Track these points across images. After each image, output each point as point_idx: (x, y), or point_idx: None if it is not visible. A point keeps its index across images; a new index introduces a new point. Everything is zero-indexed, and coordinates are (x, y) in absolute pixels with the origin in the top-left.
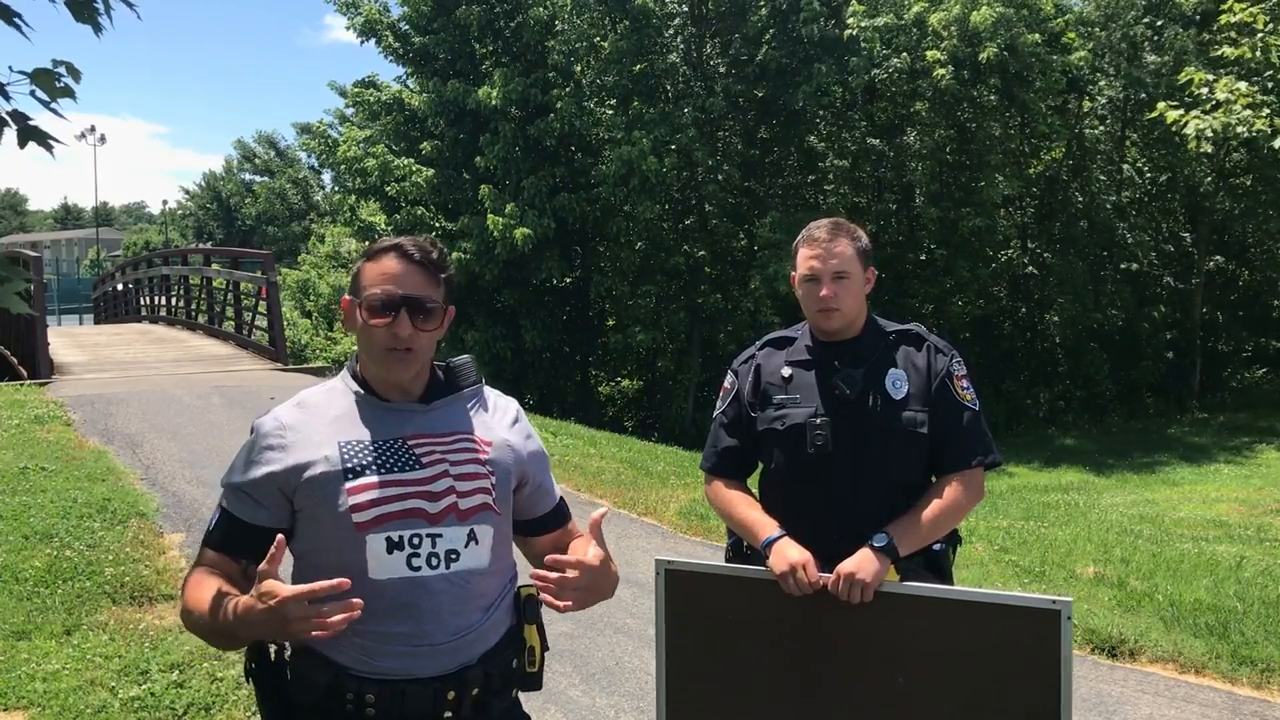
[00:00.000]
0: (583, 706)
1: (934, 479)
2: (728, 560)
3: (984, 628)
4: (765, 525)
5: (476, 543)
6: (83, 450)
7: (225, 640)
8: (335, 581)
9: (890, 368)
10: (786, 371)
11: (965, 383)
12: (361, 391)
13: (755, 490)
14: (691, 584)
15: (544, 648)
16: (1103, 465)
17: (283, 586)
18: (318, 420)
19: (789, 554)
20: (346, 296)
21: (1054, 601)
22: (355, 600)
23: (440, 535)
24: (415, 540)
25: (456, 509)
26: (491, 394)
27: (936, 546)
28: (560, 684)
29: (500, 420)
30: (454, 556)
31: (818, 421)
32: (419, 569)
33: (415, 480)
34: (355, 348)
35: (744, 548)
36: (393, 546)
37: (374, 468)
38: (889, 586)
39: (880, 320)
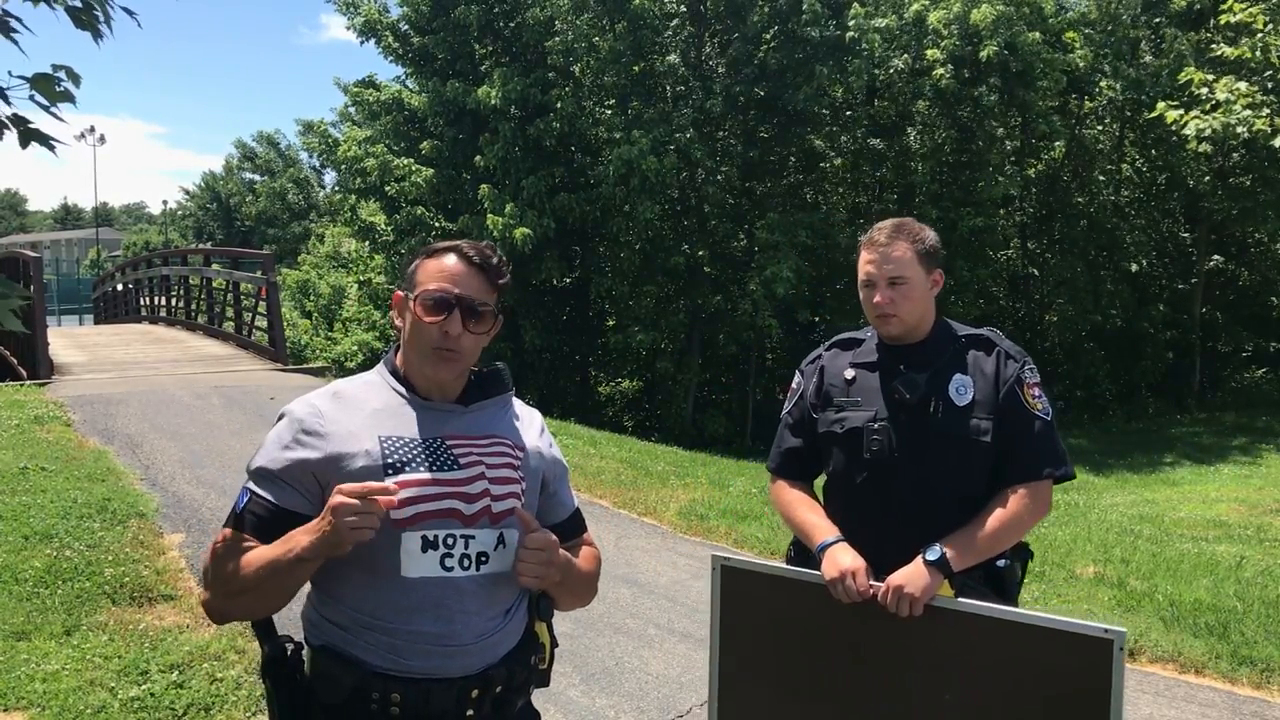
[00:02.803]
0: (582, 707)
1: (999, 489)
2: (789, 561)
3: (1033, 651)
4: (822, 529)
5: (504, 546)
6: (82, 450)
7: (273, 581)
8: (382, 485)
9: (956, 373)
10: (850, 373)
11: (1037, 390)
12: (402, 388)
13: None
14: (745, 582)
15: (553, 645)
16: (1102, 465)
17: (349, 486)
18: (357, 411)
19: (841, 560)
20: (399, 291)
21: (1106, 630)
22: (391, 487)
23: (473, 537)
24: (449, 540)
25: (490, 512)
26: (518, 403)
27: (1000, 562)
28: (560, 684)
29: (530, 428)
30: (484, 559)
31: (875, 426)
32: (451, 569)
33: (453, 480)
34: (391, 342)
35: (805, 550)
36: (427, 545)
37: (414, 465)
38: (940, 601)
39: (953, 324)
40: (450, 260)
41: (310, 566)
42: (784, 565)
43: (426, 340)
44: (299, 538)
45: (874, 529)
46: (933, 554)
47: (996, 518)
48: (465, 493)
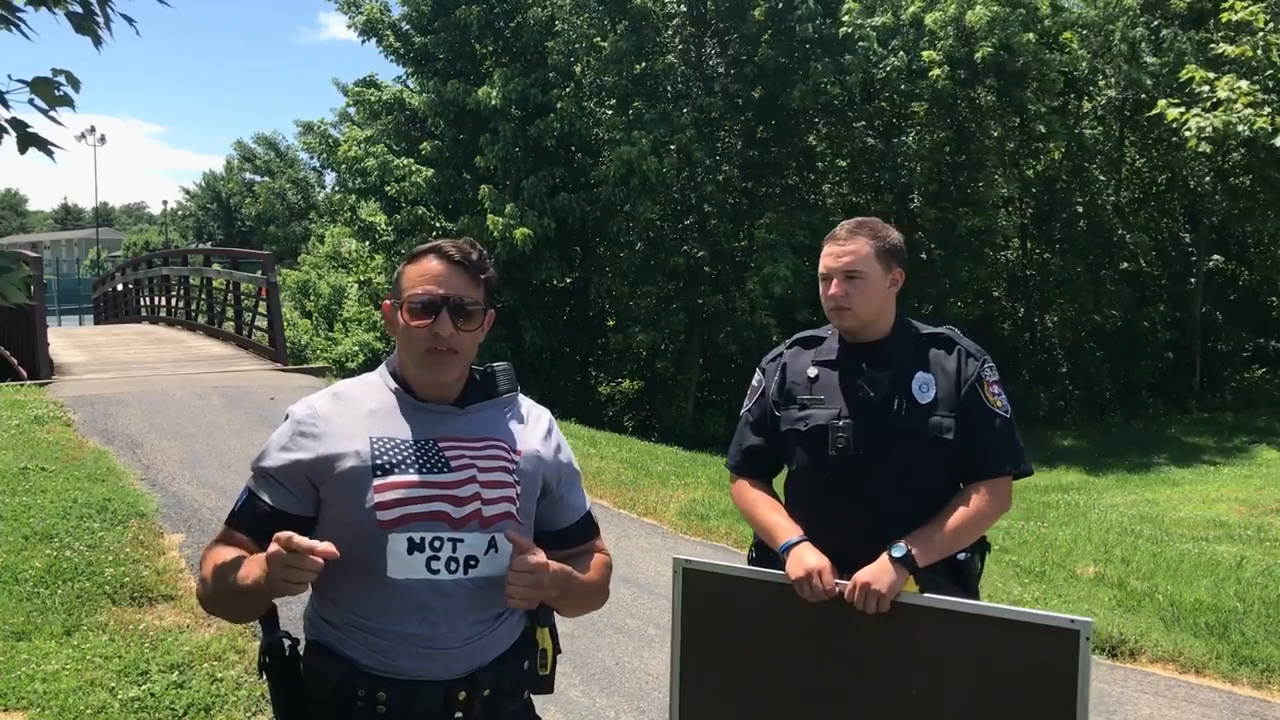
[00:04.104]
0: (582, 707)
1: (961, 486)
2: (750, 562)
3: (1000, 644)
4: (784, 529)
5: (496, 551)
6: (83, 451)
7: (236, 601)
8: (326, 549)
9: (918, 371)
10: (813, 371)
11: (997, 388)
12: (399, 389)
13: (781, 490)
14: (709, 584)
15: (556, 650)
16: (1103, 465)
17: (285, 535)
18: (352, 413)
19: (806, 559)
20: (387, 300)
21: (1073, 621)
22: (327, 548)
23: (461, 540)
24: (436, 543)
25: (480, 515)
26: (525, 403)
27: (961, 556)
28: (560, 684)
29: (533, 431)
30: (473, 563)
31: (840, 424)
32: (438, 572)
33: (442, 483)
34: (394, 346)
35: (767, 550)
36: (413, 548)
37: (403, 467)
38: (906, 597)
39: (914, 323)
40: (431, 262)
41: (261, 598)
42: (747, 566)
43: (419, 345)
44: (252, 569)
45: (837, 527)
46: (898, 551)
47: (959, 514)
48: (454, 495)
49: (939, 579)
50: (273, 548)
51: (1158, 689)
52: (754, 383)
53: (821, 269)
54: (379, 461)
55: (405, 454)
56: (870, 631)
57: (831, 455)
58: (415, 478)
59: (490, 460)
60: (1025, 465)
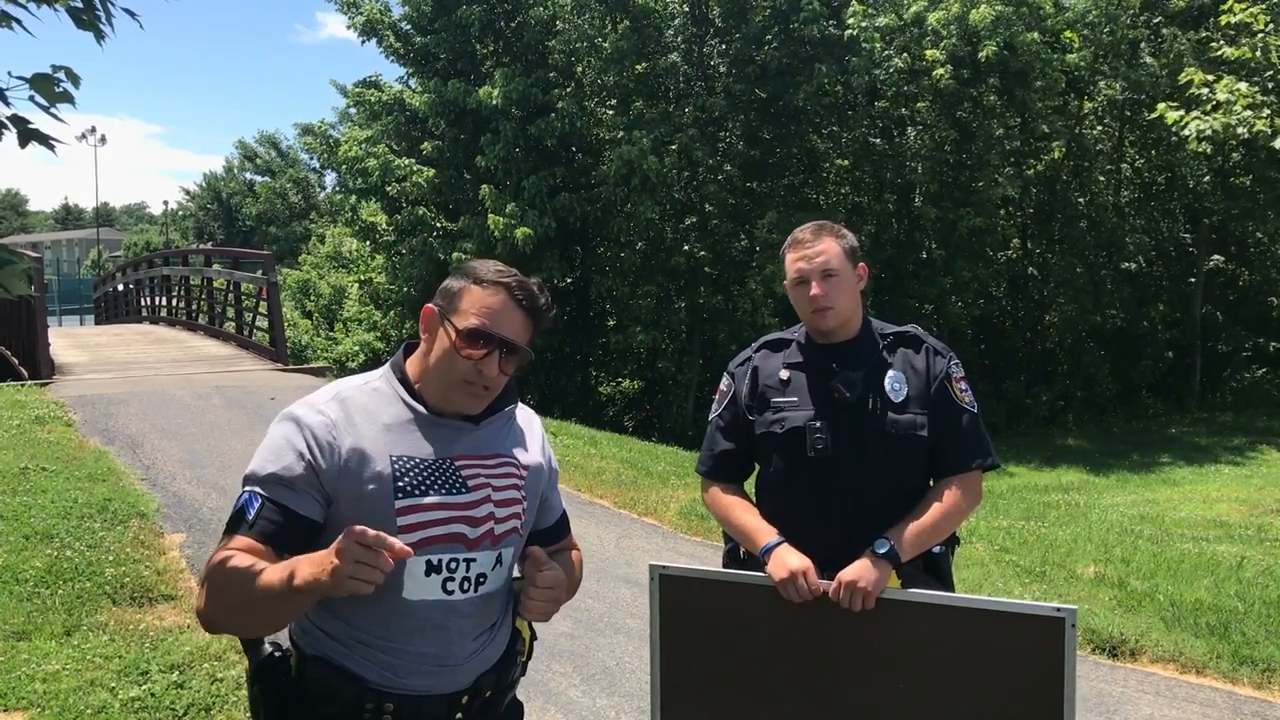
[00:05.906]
0: (582, 707)
1: (932, 482)
2: (725, 566)
3: (986, 635)
4: (763, 531)
5: (501, 565)
6: (83, 451)
7: (266, 608)
8: (401, 549)
9: (889, 370)
10: (784, 374)
11: (963, 384)
12: (413, 402)
13: (753, 493)
14: (686, 589)
15: (533, 636)
16: (1103, 465)
17: (360, 529)
18: (368, 425)
19: (789, 561)
20: (432, 305)
21: (1058, 609)
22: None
23: (474, 560)
24: (452, 564)
25: (492, 534)
26: (518, 407)
27: (936, 549)
28: (560, 684)
29: (532, 440)
30: (483, 580)
31: (818, 424)
32: (452, 592)
33: (460, 504)
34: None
35: (741, 553)
36: (431, 570)
37: (423, 489)
38: (890, 593)
39: (877, 322)
40: (501, 297)
41: (306, 599)
42: (726, 570)
43: (459, 372)
44: (301, 567)
45: (816, 527)
46: (881, 547)
47: (936, 509)
48: (471, 516)
49: (916, 573)
50: (345, 542)
51: (1158, 689)
52: (722, 387)
53: (793, 273)
54: (400, 483)
55: (425, 475)
56: (855, 629)
57: (810, 456)
58: (436, 500)
59: (503, 479)
60: (993, 458)
